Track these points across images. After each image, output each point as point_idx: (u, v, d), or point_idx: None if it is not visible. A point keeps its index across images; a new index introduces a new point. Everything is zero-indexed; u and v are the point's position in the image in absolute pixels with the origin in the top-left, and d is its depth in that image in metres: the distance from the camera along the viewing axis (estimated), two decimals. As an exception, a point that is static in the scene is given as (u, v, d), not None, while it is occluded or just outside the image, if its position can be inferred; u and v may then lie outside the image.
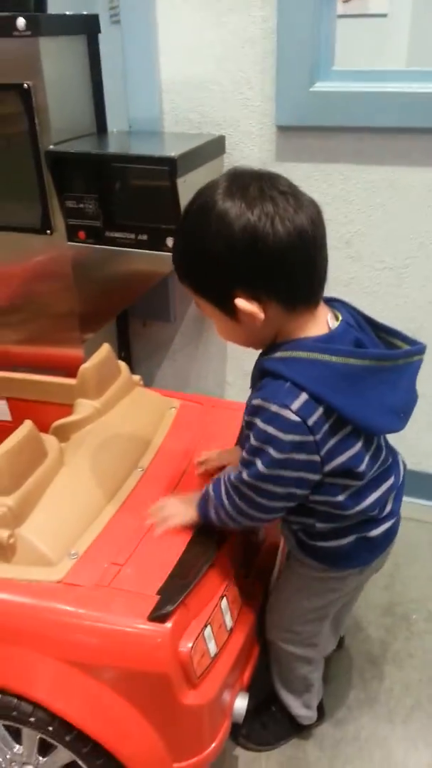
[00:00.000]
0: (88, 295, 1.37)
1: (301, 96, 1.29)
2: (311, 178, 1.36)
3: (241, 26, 1.28)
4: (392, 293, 1.41)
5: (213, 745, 0.87)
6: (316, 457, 0.75)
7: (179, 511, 0.91)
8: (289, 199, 0.70)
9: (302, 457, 0.75)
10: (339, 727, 1.12)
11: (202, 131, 1.40)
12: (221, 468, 0.98)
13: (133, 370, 1.73)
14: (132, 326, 1.67)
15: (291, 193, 0.71)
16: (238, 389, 1.68)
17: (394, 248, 1.37)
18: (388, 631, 1.30)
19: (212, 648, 0.85)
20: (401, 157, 1.28)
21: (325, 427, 0.74)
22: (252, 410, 0.76)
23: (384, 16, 2.58)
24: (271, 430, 0.74)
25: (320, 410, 0.73)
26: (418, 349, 0.80)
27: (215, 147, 1.34)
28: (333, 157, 1.32)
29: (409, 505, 1.60)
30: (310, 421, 0.73)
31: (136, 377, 1.25)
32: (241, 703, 0.92)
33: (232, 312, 0.74)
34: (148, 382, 1.76)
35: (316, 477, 0.77)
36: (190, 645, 0.80)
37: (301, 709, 1.06)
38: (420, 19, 2.51)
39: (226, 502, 0.84)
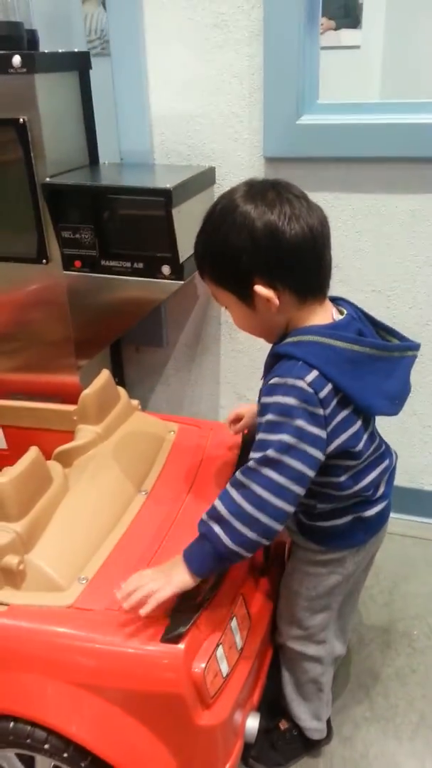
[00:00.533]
0: (83, 322, 1.39)
1: (287, 129, 1.34)
2: (299, 205, 1.41)
3: (228, 62, 1.34)
4: (380, 315, 1.42)
5: (227, 766, 0.87)
6: (324, 434, 0.81)
7: (160, 583, 0.81)
8: (302, 202, 0.81)
9: (315, 431, 0.79)
10: (347, 745, 1.12)
11: (191, 163, 1.45)
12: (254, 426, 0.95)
13: (127, 396, 1.75)
14: (125, 352, 1.69)
15: (303, 197, 0.82)
16: (231, 412, 1.70)
17: (381, 272, 1.41)
18: (390, 647, 1.31)
19: (224, 668, 0.85)
20: (385, 185, 1.34)
21: (332, 403, 0.81)
22: (268, 390, 0.81)
23: (357, 47, 2.69)
24: (290, 400, 0.79)
25: (329, 387, 0.80)
26: (412, 345, 0.89)
27: (206, 178, 1.38)
28: (320, 186, 1.37)
29: (405, 522, 1.63)
30: (321, 395, 0.79)
31: (135, 402, 1.27)
32: (252, 723, 0.92)
33: (250, 299, 0.83)
34: (142, 407, 1.78)
35: (322, 457, 0.82)
36: (203, 665, 0.81)
37: (311, 721, 1.07)
38: (391, 51, 2.63)
39: (242, 501, 0.80)
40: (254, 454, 0.81)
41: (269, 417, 0.80)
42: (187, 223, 1.27)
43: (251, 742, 0.92)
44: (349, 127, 1.31)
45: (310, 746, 1.10)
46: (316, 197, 1.40)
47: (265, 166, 1.39)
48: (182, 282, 1.26)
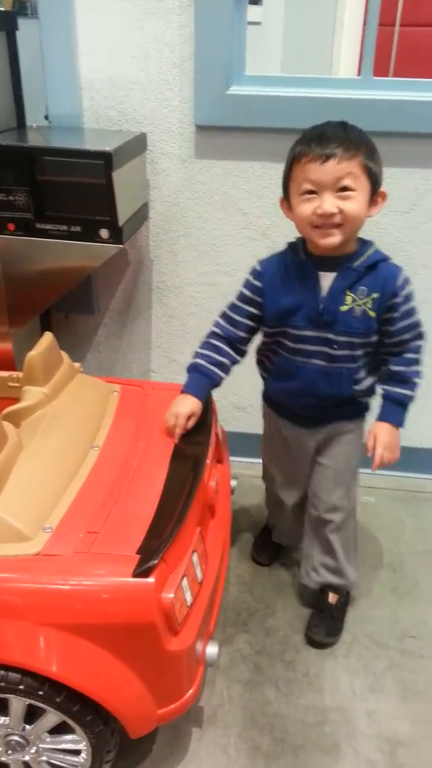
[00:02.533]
0: (16, 288, 1.38)
1: (217, 98, 1.39)
2: (229, 174, 1.47)
3: (159, 30, 1.36)
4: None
5: (191, 690, 0.95)
6: None
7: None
8: None
9: None
10: (290, 668, 1.24)
11: (122, 128, 1.47)
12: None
13: (59, 363, 1.74)
14: (54, 319, 1.69)
15: None
16: (163, 378, 1.75)
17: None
18: (321, 582, 1.44)
19: (188, 598, 0.93)
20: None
21: None
22: (403, 284, 1.08)
23: (258, 24, 2.77)
24: (412, 287, 1.10)
25: None
26: None
27: (139, 143, 1.41)
28: (249, 155, 1.44)
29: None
30: None
31: (77, 365, 1.29)
32: (212, 649, 1.00)
33: (374, 195, 1.04)
34: (74, 374, 1.79)
35: None
36: (171, 595, 0.87)
37: (355, 573, 1.31)
38: (291, 28, 2.73)
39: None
40: (414, 337, 1.13)
41: (411, 304, 1.10)
42: (125, 187, 1.30)
43: (212, 665, 1.00)
44: (276, 99, 1.38)
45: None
46: (245, 166, 1.50)
47: (195, 133, 1.44)
48: (121, 246, 1.29)
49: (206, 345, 1.19)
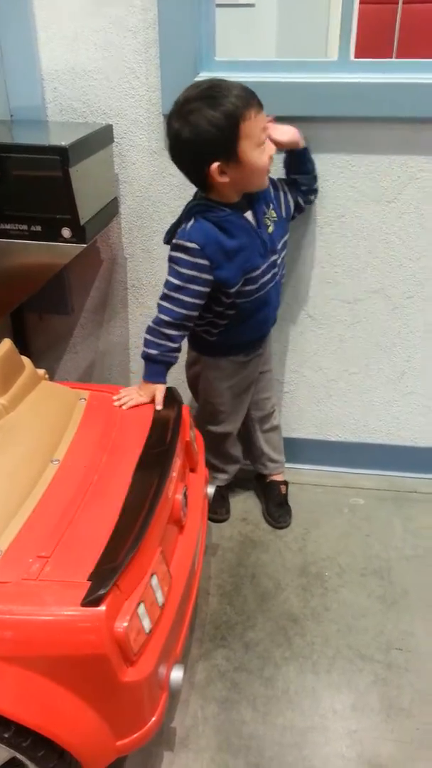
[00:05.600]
0: (-20, 290, 1.33)
1: (185, 85, 1.31)
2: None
3: (121, 16, 1.28)
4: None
5: (153, 718, 0.90)
6: None
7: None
8: None
9: None
10: (269, 685, 1.19)
11: (87, 120, 1.40)
12: None
13: (33, 366, 1.69)
14: (28, 320, 1.63)
15: None
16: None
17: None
18: (305, 589, 1.38)
19: (147, 624, 0.87)
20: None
21: None
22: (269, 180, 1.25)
23: (252, 6, 2.67)
24: None
25: None
26: None
27: (104, 136, 1.34)
28: (220, 145, 1.36)
29: (315, 472, 1.71)
30: None
31: (41, 371, 1.23)
32: (177, 675, 0.95)
33: None
34: (49, 378, 1.73)
35: None
36: (125, 624, 0.82)
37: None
38: (286, 10, 2.62)
39: None
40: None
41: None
42: (87, 183, 1.23)
43: (177, 693, 0.95)
44: (248, 85, 1.30)
45: None
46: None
47: (164, 123, 1.36)
48: (84, 245, 1.23)
49: (156, 334, 1.22)
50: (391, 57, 2.47)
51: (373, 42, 2.33)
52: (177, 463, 1.09)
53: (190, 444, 1.21)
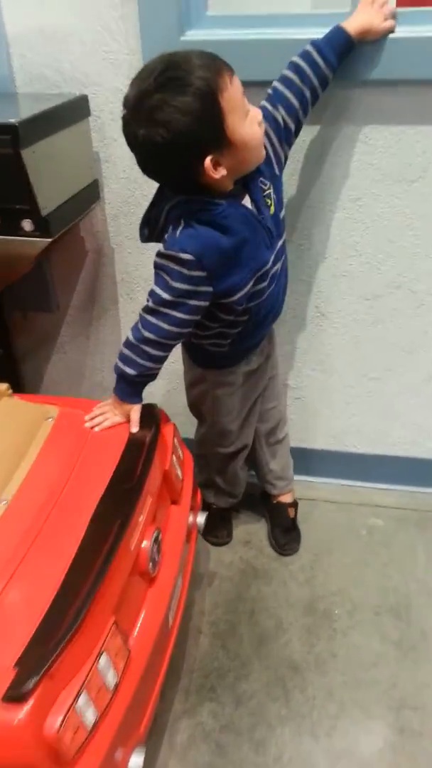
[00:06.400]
0: None
1: (170, 47, 1.08)
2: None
3: (91, -37, 1.09)
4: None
5: None
6: None
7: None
8: None
9: None
10: (260, 750, 1.03)
11: (62, 90, 1.21)
12: None
13: (17, 369, 1.55)
14: (10, 319, 1.48)
15: None
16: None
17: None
18: (311, 631, 1.22)
19: (90, 717, 0.72)
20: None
21: None
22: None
23: None
24: None
25: None
26: None
27: (76, 108, 1.15)
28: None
29: (328, 486, 1.53)
30: None
31: (4, 385, 1.08)
32: (136, 760, 0.80)
33: None
34: (36, 381, 1.59)
35: None
36: (58, 724, 0.67)
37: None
38: None
39: None
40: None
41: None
42: (51, 166, 1.06)
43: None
44: (245, 43, 1.09)
45: None
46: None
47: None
48: (49, 240, 1.06)
49: (137, 351, 1.02)
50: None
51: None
52: (147, 502, 0.92)
53: (170, 472, 1.04)
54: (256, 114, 0.93)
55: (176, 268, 0.95)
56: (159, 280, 0.98)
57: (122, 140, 0.94)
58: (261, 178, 0.99)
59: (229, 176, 0.93)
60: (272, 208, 1.01)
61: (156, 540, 0.93)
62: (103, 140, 1.24)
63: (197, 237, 0.94)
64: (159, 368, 1.06)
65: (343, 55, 1.03)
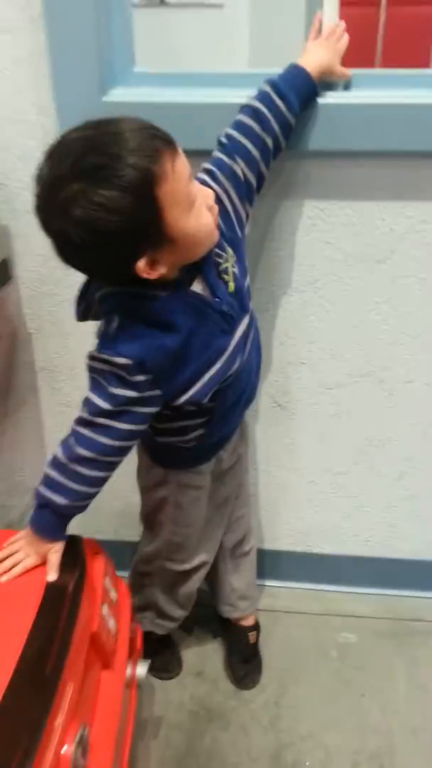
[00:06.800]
0: None
1: (91, 107, 0.91)
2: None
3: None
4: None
5: None
6: None
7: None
8: None
9: None
10: None
11: (-37, 156, 1.01)
12: None
13: None
14: None
15: None
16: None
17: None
18: (277, 797, 1.01)
19: None
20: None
21: None
22: None
23: (220, 6, 2.30)
24: None
25: None
26: None
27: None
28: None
29: (292, 592, 1.33)
30: None
31: None
32: None
33: None
34: None
35: None
36: None
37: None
38: (258, 12, 2.26)
39: None
40: None
41: None
42: None
43: None
44: (179, 107, 0.93)
45: None
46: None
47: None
48: None
49: (68, 473, 0.82)
50: (373, 66, 2.11)
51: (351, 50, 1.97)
52: (66, 694, 0.70)
53: (100, 633, 0.82)
54: (205, 197, 0.75)
55: (114, 372, 0.76)
56: (94, 387, 0.79)
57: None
58: (217, 249, 0.81)
59: (171, 269, 0.76)
60: (231, 285, 0.83)
61: (80, 741, 0.71)
62: (13, 213, 1.04)
63: (135, 338, 0.76)
64: (94, 495, 0.85)
65: (306, 100, 0.88)
